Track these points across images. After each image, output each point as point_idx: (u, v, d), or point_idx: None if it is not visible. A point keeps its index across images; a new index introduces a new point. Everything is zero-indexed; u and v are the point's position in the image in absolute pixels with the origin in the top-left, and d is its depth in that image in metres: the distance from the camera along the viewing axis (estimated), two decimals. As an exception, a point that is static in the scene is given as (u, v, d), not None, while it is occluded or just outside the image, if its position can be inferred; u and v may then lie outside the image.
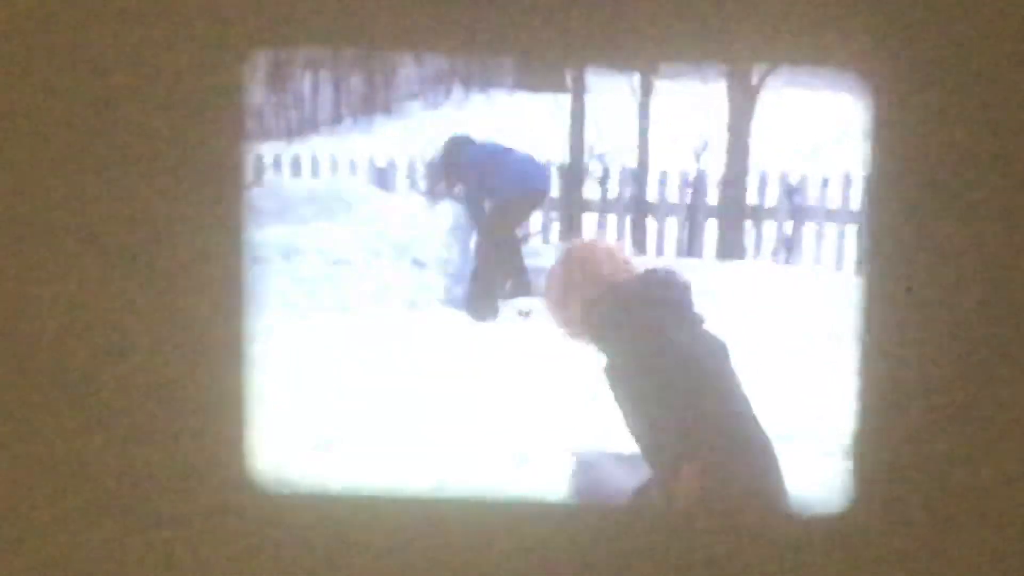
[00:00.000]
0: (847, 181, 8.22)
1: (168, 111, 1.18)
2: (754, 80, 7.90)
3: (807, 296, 7.30)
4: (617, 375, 2.96)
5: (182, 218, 1.20)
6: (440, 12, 1.15)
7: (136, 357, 1.23)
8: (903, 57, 1.14)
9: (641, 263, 3.55)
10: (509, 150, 7.30)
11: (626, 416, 2.97)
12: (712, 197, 8.27)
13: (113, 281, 1.22)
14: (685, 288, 3.09)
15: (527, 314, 4.24)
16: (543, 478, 4.81)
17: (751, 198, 8.23)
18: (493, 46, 1.18)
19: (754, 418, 2.99)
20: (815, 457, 5.05)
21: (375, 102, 12.31)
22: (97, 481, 1.26)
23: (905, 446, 1.21)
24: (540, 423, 5.40)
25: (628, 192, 8.36)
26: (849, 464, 1.23)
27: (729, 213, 8.10)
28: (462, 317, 6.89)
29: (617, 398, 2.97)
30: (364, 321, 6.80)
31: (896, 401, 1.20)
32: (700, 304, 3.15)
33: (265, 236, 7.02)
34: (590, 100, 8.64)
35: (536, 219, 8.05)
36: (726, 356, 3.05)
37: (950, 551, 1.23)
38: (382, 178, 8.58)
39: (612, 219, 8.38)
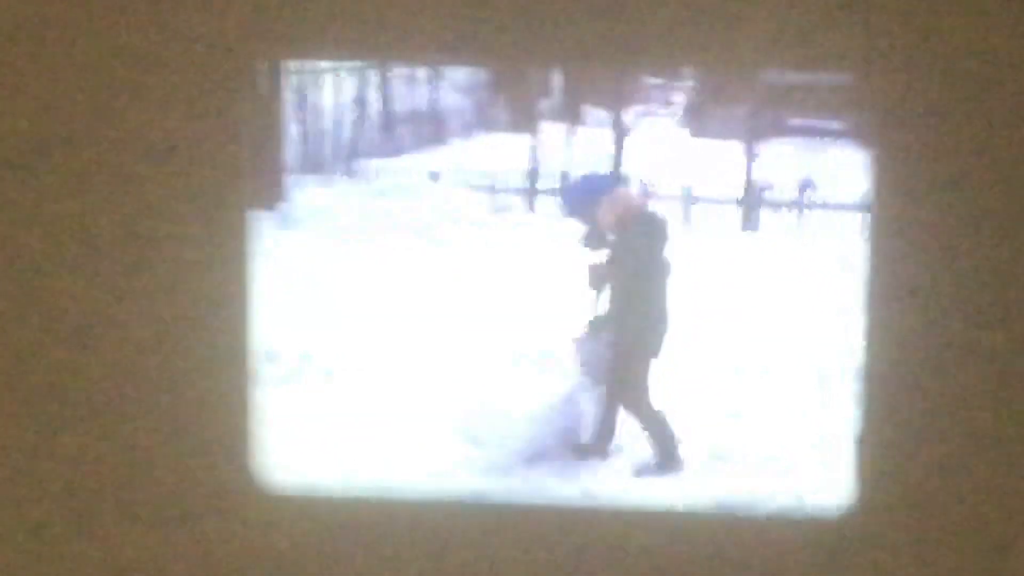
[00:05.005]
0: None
1: (175, 119, 1.17)
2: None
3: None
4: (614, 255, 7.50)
5: (186, 221, 1.19)
6: (451, 25, 1.15)
7: (138, 359, 1.23)
8: (904, 60, 1.14)
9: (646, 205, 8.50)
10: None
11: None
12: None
13: (116, 285, 1.21)
14: (663, 221, 7.84)
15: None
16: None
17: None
18: (498, 57, 1.20)
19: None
20: (817, 463, 5.58)
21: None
22: (98, 480, 1.26)
23: (908, 447, 1.21)
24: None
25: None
26: (852, 466, 1.25)
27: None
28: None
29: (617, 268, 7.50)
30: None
31: (899, 402, 1.20)
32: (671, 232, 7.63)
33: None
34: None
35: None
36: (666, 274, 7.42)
37: (951, 552, 1.23)
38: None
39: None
